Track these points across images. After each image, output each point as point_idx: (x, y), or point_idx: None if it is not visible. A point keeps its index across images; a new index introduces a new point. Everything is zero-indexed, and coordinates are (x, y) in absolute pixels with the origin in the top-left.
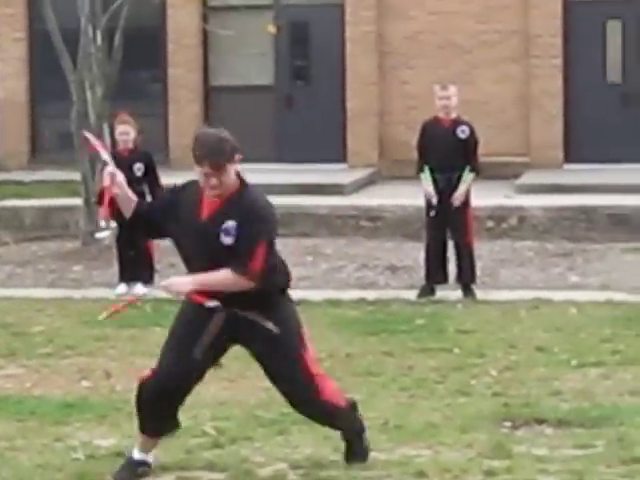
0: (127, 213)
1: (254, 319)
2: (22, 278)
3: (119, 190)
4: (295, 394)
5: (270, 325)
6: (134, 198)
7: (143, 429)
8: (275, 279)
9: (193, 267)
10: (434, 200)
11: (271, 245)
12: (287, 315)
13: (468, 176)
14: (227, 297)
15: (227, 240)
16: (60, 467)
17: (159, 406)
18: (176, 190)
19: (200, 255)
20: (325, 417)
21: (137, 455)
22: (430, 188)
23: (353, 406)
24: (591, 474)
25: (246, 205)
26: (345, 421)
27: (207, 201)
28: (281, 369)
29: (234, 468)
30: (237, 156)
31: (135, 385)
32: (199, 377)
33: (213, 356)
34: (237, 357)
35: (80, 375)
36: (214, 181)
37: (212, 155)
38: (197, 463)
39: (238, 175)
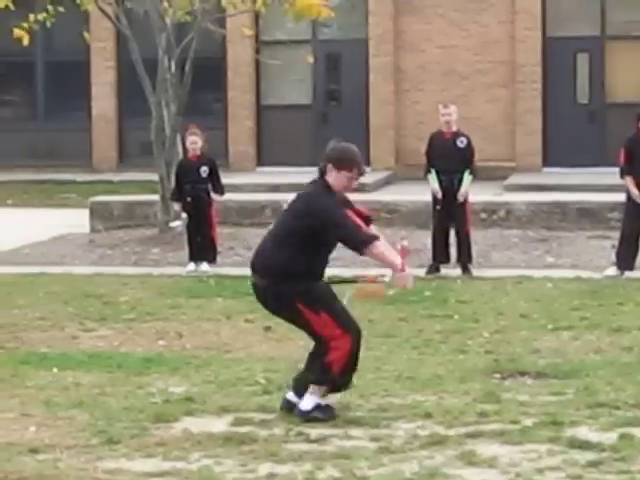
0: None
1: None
2: (111, 258)
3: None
4: None
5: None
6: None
7: (345, 385)
8: None
9: (326, 255)
10: (439, 196)
11: None
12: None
13: (468, 178)
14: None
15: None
16: (141, 409)
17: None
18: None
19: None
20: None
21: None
22: (436, 187)
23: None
24: (563, 416)
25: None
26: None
27: None
28: None
29: (280, 410)
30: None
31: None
32: None
33: None
34: (283, 322)
35: (157, 336)
36: (356, 183)
37: (361, 164)
38: (251, 406)
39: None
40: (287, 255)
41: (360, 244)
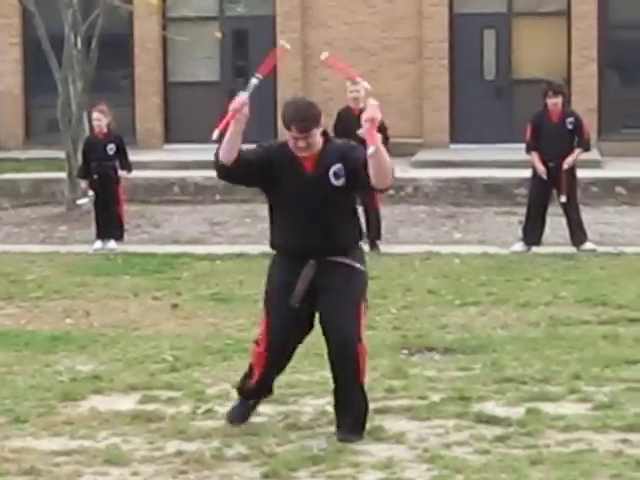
0: (230, 150)
1: (343, 261)
2: (18, 236)
3: (241, 119)
4: (341, 345)
5: (353, 262)
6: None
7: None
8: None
9: (291, 216)
10: None
11: None
12: (365, 275)
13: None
14: (321, 245)
15: (338, 182)
16: (49, 388)
17: None
18: (268, 149)
19: (305, 204)
20: (351, 379)
21: None
22: None
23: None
24: (470, 391)
25: (339, 149)
26: (360, 395)
27: (302, 157)
28: (338, 319)
29: (188, 388)
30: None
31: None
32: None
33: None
34: (190, 299)
35: (65, 314)
36: (301, 143)
37: (301, 120)
38: (159, 384)
39: (324, 132)
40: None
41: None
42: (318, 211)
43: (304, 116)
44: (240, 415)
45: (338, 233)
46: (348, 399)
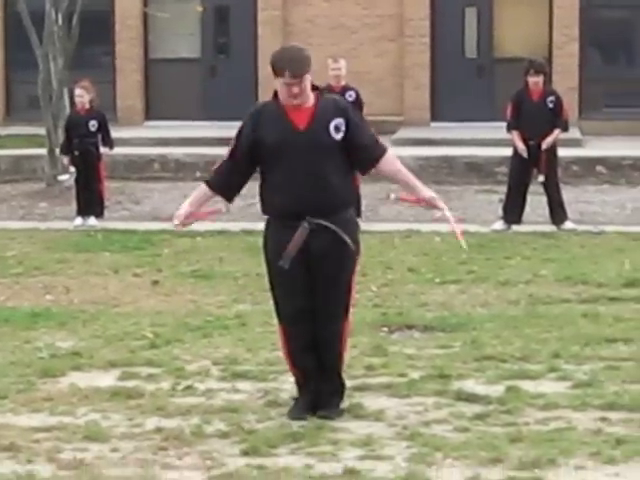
0: (224, 204)
1: (336, 230)
2: None
3: (194, 217)
4: (327, 318)
5: (348, 240)
6: (207, 195)
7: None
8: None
9: (286, 174)
10: None
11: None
12: (358, 246)
13: None
14: (316, 200)
15: (338, 136)
16: (29, 364)
17: None
18: (252, 121)
19: (301, 159)
20: (332, 353)
21: None
22: None
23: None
24: (450, 369)
25: (337, 105)
26: (337, 372)
27: (295, 113)
28: (330, 294)
29: (168, 364)
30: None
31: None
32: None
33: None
34: (170, 276)
35: (45, 290)
36: (296, 89)
37: (292, 64)
38: (138, 361)
39: (314, 86)
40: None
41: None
42: (314, 165)
43: (297, 59)
44: (304, 406)
45: (332, 189)
46: (325, 377)
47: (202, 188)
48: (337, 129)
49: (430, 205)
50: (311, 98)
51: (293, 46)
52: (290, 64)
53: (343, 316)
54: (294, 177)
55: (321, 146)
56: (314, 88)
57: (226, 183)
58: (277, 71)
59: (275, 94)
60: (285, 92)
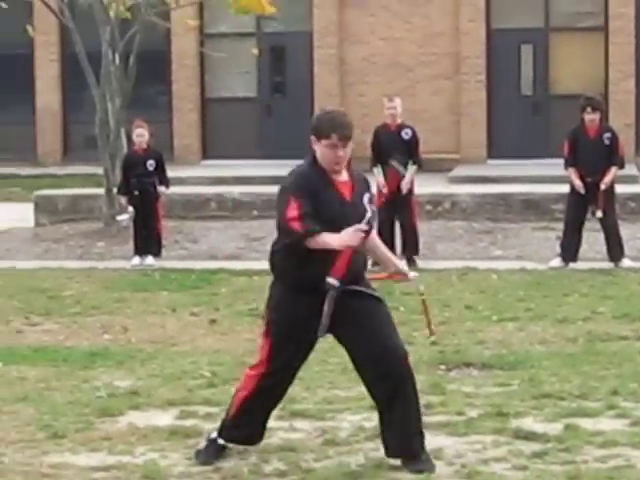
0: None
1: (364, 289)
2: (56, 252)
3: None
4: (393, 355)
5: (377, 293)
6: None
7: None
8: None
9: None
10: (384, 190)
11: None
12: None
13: (412, 168)
14: (358, 273)
15: (370, 209)
16: (87, 403)
17: None
18: (305, 183)
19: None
20: (409, 392)
21: None
22: (381, 179)
23: None
24: (508, 407)
25: (364, 178)
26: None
27: (338, 182)
28: (382, 333)
29: (225, 403)
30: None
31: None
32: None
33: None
34: (228, 315)
35: (102, 330)
36: (342, 152)
37: (342, 128)
38: (196, 400)
39: None
40: None
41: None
42: None
43: (346, 123)
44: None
45: (364, 261)
46: (407, 416)
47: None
48: (370, 201)
49: (402, 276)
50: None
51: (339, 110)
52: (341, 127)
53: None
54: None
55: (361, 218)
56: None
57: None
58: (324, 134)
59: (314, 159)
60: (332, 156)
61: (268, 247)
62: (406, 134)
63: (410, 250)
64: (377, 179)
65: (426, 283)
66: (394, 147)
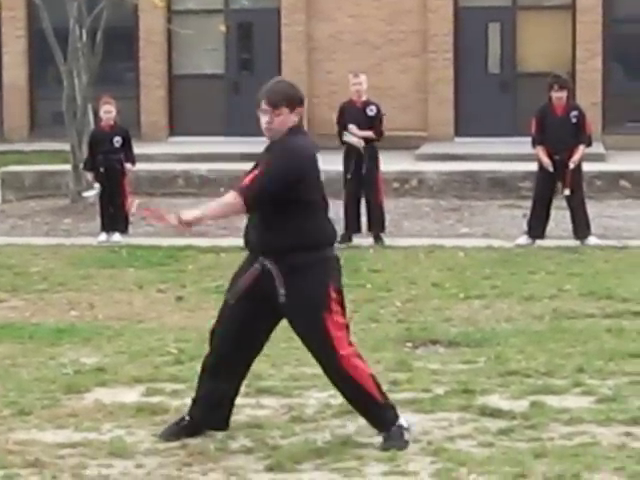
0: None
1: (276, 278)
2: (23, 229)
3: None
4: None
5: (282, 292)
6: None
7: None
8: (300, 233)
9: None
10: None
11: (272, 177)
12: (311, 284)
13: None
14: (265, 246)
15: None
16: (53, 380)
17: None
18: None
19: None
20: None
21: None
22: (355, 135)
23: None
24: (474, 384)
25: (278, 146)
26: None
27: None
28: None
29: (192, 380)
30: (298, 108)
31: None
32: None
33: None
34: (195, 292)
35: (69, 306)
36: (266, 118)
37: (269, 92)
38: (163, 376)
39: (293, 126)
40: None
41: None
42: None
43: (274, 89)
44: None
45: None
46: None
47: None
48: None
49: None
50: (278, 135)
51: (289, 82)
52: (268, 92)
53: (337, 358)
54: None
55: None
56: (291, 129)
57: None
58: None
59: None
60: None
61: (235, 224)
62: (371, 110)
63: (376, 227)
64: (352, 140)
65: (393, 260)
66: (358, 123)
